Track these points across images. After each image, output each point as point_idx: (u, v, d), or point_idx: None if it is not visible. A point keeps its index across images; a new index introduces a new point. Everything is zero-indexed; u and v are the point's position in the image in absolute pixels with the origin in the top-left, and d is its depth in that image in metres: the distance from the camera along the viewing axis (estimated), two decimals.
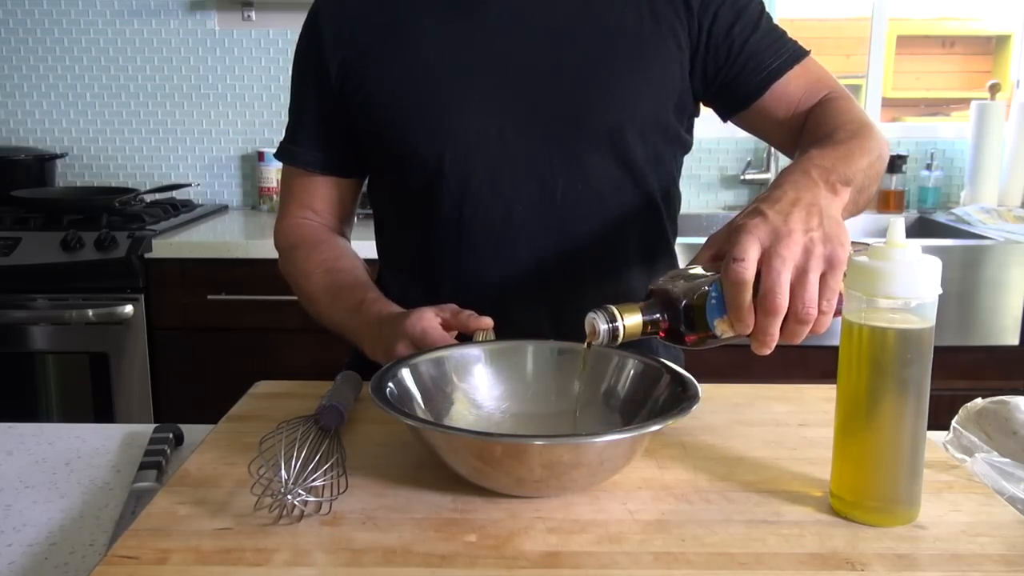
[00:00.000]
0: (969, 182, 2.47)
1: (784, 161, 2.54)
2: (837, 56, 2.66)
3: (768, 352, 0.69)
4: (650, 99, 0.99)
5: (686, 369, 0.77)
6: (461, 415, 0.80)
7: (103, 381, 2.05)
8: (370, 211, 1.15)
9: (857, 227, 2.45)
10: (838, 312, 0.69)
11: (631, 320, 0.70)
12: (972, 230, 2.17)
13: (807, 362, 1.98)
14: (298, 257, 1.08)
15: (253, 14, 2.47)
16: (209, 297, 2.02)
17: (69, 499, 0.76)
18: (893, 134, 2.57)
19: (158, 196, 2.41)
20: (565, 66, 0.97)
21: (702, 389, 0.72)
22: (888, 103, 2.64)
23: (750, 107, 1.01)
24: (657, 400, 0.76)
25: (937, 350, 0.64)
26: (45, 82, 2.56)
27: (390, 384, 0.75)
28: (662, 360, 0.80)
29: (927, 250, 0.62)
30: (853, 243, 0.71)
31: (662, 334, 0.71)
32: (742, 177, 2.54)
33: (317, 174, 1.09)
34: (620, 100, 0.97)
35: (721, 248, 0.73)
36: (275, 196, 2.46)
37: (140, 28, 2.52)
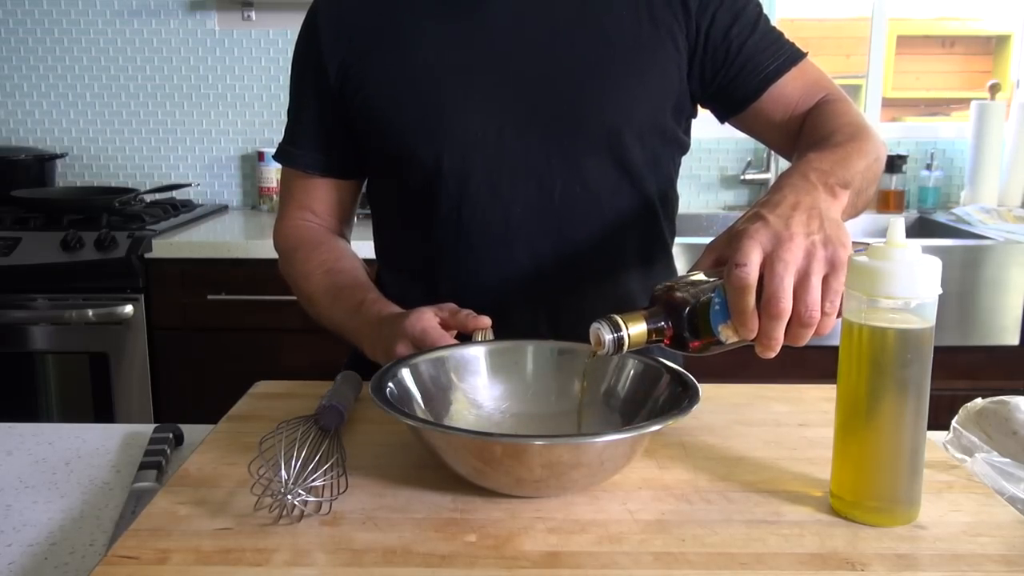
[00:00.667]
0: (969, 182, 2.47)
1: (783, 163, 2.55)
2: (837, 56, 2.66)
3: (773, 355, 0.69)
4: (648, 102, 0.99)
5: (686, 369, 0.77)
6: (461, 415, 0.80)
7: (103, 381, 2.05)
8: (369, 211, 1.15)
9: (857, 227, 2.45)
10: (840, 314, 0.69)
11: (636, 329, 0.70)
12: (972, 230, 2.17)
13: (807, 362, 1.97)
14: (298, 259, 1.08)
15: (253, 14, 2.47)
16: (209, 297, 2.02)
17: (69, 499, 0.76)
18: (893, 134, 2.57)
19: (158, 196, 2.41)
20: (563, 68, 0.97)
21: (702, 389, 0.73)
22: (888, 103, 2.64)
23: (748, 109, 1.01)
24: (657, 400, 0.76)
25: (937, 350, 0.64)
26: (45, 82, 2.56)
27: (390, 384, 0.75)
28: (662, 360, 0.80)
29: (927, 250, 0.62)
30: (854, 243, 0.71)
31: (667, 342, 0.71)
32: (742, 177, 2.53)
33: (316, 176, 1.09)
34: (617, 103, 0.97)
35: (723, 253, 0.73)
36: (275, 196, 2.46)
37: (140, 28, 2.52)
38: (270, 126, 2.54)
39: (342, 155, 1.07)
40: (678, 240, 1.11)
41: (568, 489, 0.69)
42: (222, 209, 2.55)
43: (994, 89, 2.46)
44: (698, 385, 0.73)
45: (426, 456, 0.72)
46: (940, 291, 0.62)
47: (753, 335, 0.68)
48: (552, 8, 0.98)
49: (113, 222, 2.09)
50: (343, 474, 0.68)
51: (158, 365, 2.06)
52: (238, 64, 2.50)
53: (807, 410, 0.88)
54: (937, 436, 0.83)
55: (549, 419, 0.81)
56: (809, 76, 1.01)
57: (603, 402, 0.81)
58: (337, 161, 1.08)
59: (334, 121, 1.05)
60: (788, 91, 1.00)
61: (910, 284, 0.62)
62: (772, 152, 2.48)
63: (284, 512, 0.65)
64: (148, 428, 0.90)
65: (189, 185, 2.57)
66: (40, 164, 2.44)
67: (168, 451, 0.84)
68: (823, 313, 0.68)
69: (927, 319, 0.63)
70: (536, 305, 1.01)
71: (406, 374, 0.78)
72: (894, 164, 2.48)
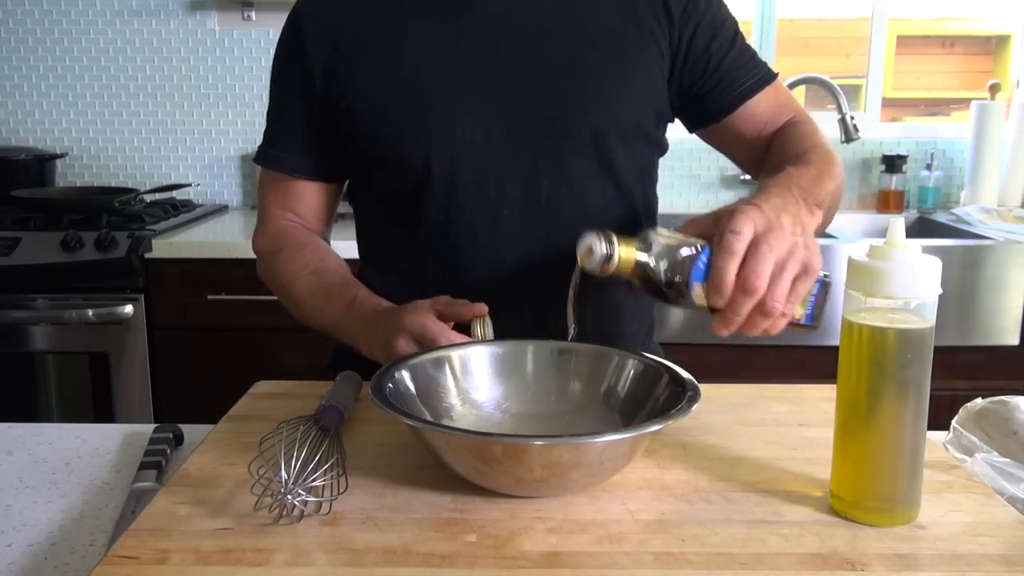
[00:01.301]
0: (969, 182, 2.47)
1: None
2: (837, 56, 2.66)
3: (726, 333, 0.72)
4: (631, 103, 1.00)
5: (686, 369, 0.77)
6: (461, 415, 0.80)
7: (103, 381, 2.05)
8: (350, 209, 1.14)
9: (857, 227, 2.45)
10: (793, 324, 0.73)
11: (626, 253, 0.71)
12: (972, 230, 2.17)
13: (807, 362, 1.98)
14: (281, 261, 1.07)
15: (253, 14, 2.48)
16: (209, 297, 2.02)
17: (69, 499, 0.76)
18: (893, 134, 2.58)
19: (158, 196, 2.41)
20: (548, 69, 0.97)
21: (702, 389, 0.73)
22: (888, 103, 2.64)
23: (720, 122, 1.03)
24: (657, 400, 0.76)
25: (937, 350, 0.64)
26: (45, 82, 2.56)
27: (390, 384, 0.75)
28: (662, 360, 0.80)
29: (927, 250, 0.62)
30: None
31: (639, 284, 0.73)
32: (742, 177, 2.54)
33: (302, 179, 1.08)
34: (602, 104, 0.98)
35: (708, 229, 0.74)
36: None
37: (140, 28, 2.52)
38: None
39: (328, 157, 1.06)
40: None
41: (568, 489, 0.69)
42: (222, 209, 2.55)
43: (994, 89, 2.46)
44: (698, 385, 0.73)
45: (426, 456, 0.72)
46: (940, 291, 0.62)
47: (722, 303, 0.70)
48: (538, 9, 0.98)
49: (113, 222, 2.09)
50: (343, 474, 0.68)
51: (158, 365, 2.06)
52: (238, 64, 2.50)
53: (807, 410, 0.88)
54: (937, 436, 0.83)
55: (549, 419, 0.81)
56: (780, 96, 1.05)
57: (603, 402, 0.81)
58: (323, 164, 1.07)
59: (321, 123, 1.04)
60: (760, 109, 1.03)
61: (910, 284, 0.62)
62: None
63: (284, 512, 0.65)
64: (148, 428, 0.90)
65: (189, 185, 2.57)
66: (40, 164, 2.44)
67: (168, 451, 0.84)
68: (778, 316, 0.70)
69: (927, 319, 0.63)
70: (521, 305, 1.01)
71: (406, 374, 0.78)
72: (894, 164, 2.48)
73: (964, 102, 2.61)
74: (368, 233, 1.11)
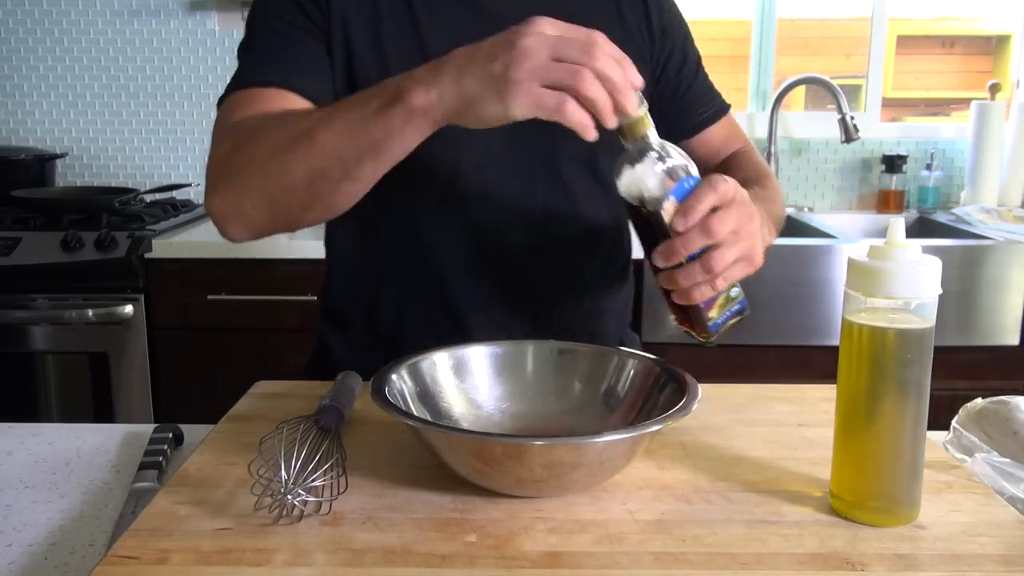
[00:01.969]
0: (969, 182, 2.47)
1: (783, 163, 2.54)
2: (837, 56, 2.66)
3: (661, 265, 0.74)
4: None
5: (686, 369, 0.77)
6: (461, 415, 0.80)
7: (103, 381, 2.05)
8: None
9: (857, 227, 2.45)
10: (699, 323, 0.77)
11: (646, 121, 0.73)
12: (972, 230, 2.17)
13: (807, 362, 1.98)
14: (268, 123, 0.85)
15: None
16: (209, 297, 2.02)
17: (69, 499, 0.76)
18: (893, 134, 2.57)
19: (158, 196, 2.41)
20: None
21: (702, 389, 0.73)
22: (888, 103, 2.64)
23: (678, 143, 1.06)
24: (657, 400, 0.76)
25: (937, 350, 0.64)
26: (45, 82, 2.56)
27: (390, 384, 0.75)
28: (662, 360, 0.80)
29: (927, 250, 0.62)
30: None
31: (626, 167, 0.74)
32: None
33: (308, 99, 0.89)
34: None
35: None
36: None
37: (140, 28, 2.52)
38: None
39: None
40: None
41: (568, 489, 0.69)
42: None
43: (994, 89, 2.46)
44: (698, 385, 0.73)
45: (426, 456, 0.72)
46: (940, 291, 0.62)
47: (681, 228, 0.72)
48: (533, 8, 0.97)
49: (113, 222, 2.09)
50: (343, 474, 0.68)
51: (158, 365, 2.06)
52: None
53: (807, 410, 0.88)
54: (937, 436, 0.83)
55: (549, 419, 0.81)
56: (733, 127, 1.13)
57: (603, 402, 0.81)
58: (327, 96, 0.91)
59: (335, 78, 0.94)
60: (715, 137, 1.10)
61: (910, 284, 0.62)
62: (774, 153, 2.48)
63: (284, 512, 0.65)
64: (148, 428, 0.90)
65: (189, 185, 2.57)
66: (40, 164, 2.44)
67: (168, 451, 0.84)
68: (715, 279, 0.73)
69: (927, 319, 0.63)
70: (517, 307, 1.02)
71: (406, 374, 0.78)
72: (894, 164, 2.48)
73: (964, 102, 2.61)
74: (360, 220, 1.01)
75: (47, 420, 2.05)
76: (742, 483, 0.72)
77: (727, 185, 0.73)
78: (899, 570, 0.59)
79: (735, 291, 0.78)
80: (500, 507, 0.67)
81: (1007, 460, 0.75)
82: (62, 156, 2.54)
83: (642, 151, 0.74)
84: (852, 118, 2.30)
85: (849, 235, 2.24)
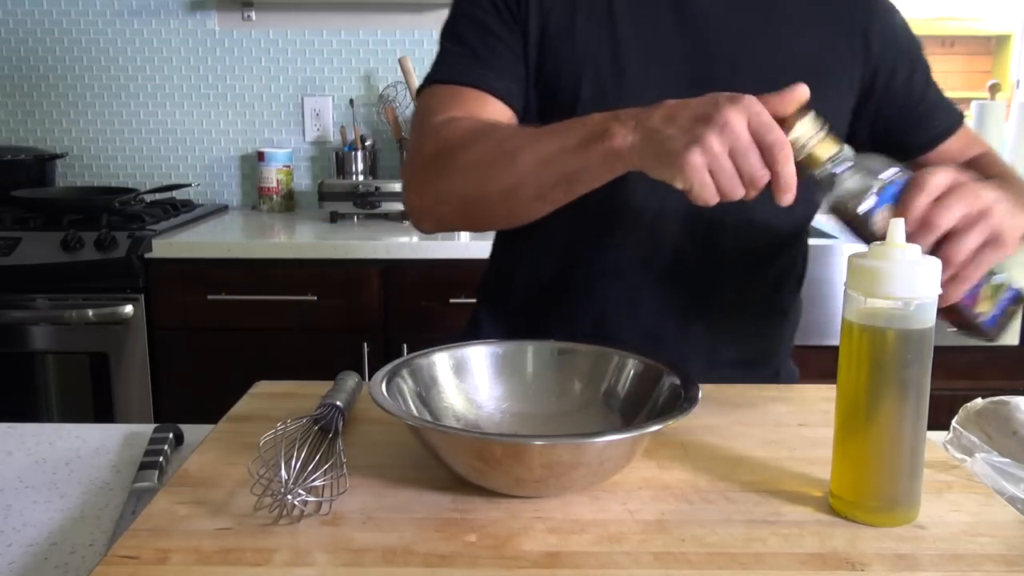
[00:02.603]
0: None
1: None
2: None
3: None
4: None
5: (686, 370, 0.77)
6: (461, 415, 0.80)
7: (103, 381, 2.05)
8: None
9: None
10: (971, 321, 0.75)
11: (823, 139, 0.70)
12: None
13: (807, 362, 1.98)
14: (481, 137, 0.87)
15: (253, 14, 2.47)
16: (209, 297, 2.02)
17: (69, 499, 0.76)
18: None
19: (158, 196, 2.41)
20: (738, 82, 0.95)
21: (702, 389, 0.73)
22: None
23: (916, 159, 1.04)
24: (657, 400, 0.76)
25: (937, 350, 0.64)
26: (45, 82, 2.56)
27: (390, 384, 0.75)
28: (662, 360, 0.80)
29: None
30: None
31: (826, 191, 0.71)
32: None
33: (502, 104, 0.92)
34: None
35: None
36: (275, 196, 2.46)
37: (140, 28, 2.52)
38: (270, 126, 2.53)
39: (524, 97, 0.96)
40: None
41: (568, 489, 0.69)
42: (222, 209, 2.55)
43: (994, 89, 2.46)
44: (698, 385, 0.73)
45: (426, 456, 0.72)
46: (940, 291, 0.62)
47: (905, 216, 0.68)
48: (740, 13, 0.97)
49: (113, 222, 2.09)
50: (343, 474, 0.68)
51: (158, 365, 2.07)
52: (238, 64, 2.50)
53: (807, 410, 0.88)
54: (937, 436, 0.83)
55: (549, 419, 0.81)
56: (969, 134, 1.07)
57: (603, 402, 0.81)
58: (520, 99, 0.95)
59: (525, 66, 0.96)
60: (954, 148, 1.05)
61: (910, 284, 0.62)
62: None
63: (284, 512, 0.65)
64: (148, 428, 0.90)
65: (189, 185, 2.57)
66: (40, 164, 2.44)
67: (168, 451, 0.84)
68: (961, 268, 0.70)
69: (927, 319, 0.63)
70: (670, 304, 1.00)
71: (406, 374, 0.78)
72: None
73: (964, 102, 2.61)
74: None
75: (47, 420, 2.05)
76: (742, 483, 0.72)
77: (936, 176, 0.70)
78: (899, 570, 0.59)
79: (999, 278, 0.72)
80: (500, 507, 0.67)
81: (1007, 460, 0.75)
82: (62, 156, 2.54)
83: (834, 173, 0.71)
84: None
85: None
